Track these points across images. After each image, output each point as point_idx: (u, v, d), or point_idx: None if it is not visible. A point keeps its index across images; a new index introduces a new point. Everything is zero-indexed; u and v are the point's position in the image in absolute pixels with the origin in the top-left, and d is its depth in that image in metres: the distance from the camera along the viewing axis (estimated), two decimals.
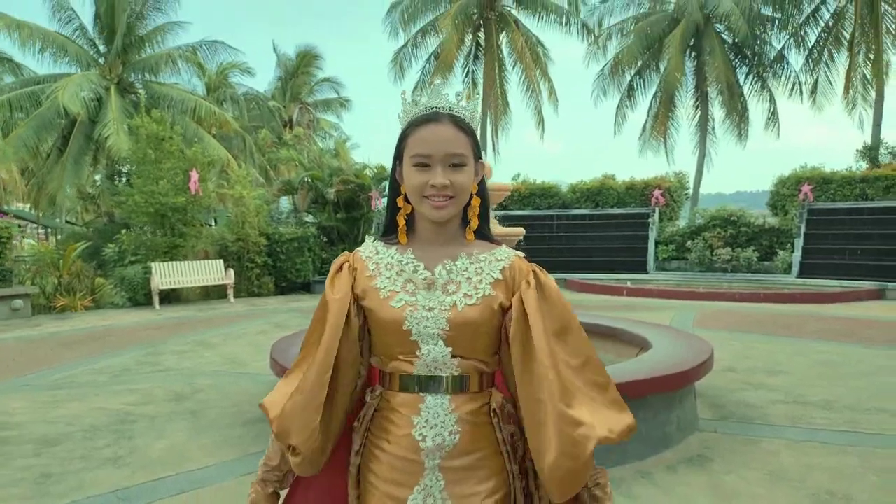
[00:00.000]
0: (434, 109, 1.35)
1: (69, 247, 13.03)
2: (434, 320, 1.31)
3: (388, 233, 1.45)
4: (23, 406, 5.47)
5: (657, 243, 16.71)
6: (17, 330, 9.88)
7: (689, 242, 16.19)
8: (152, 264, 12.40)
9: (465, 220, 1.42)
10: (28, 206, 24.57)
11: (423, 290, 1.34)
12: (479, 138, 1.40)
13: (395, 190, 1.41)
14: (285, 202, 21.20)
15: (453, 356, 1.32)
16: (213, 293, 13.84)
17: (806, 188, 15.29)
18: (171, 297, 13.04)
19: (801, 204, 15.23)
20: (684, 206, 18.77)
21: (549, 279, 1.37)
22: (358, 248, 1.46)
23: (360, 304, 1.37)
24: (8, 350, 8.22)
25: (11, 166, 20.42)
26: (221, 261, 13.54)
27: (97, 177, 22.20)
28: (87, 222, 23.13)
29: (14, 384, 6.32)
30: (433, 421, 1.31)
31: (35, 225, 26.56)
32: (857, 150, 18.39)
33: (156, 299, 12.30)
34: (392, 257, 1.40)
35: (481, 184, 1.41)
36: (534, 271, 1.36)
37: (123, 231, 13.25)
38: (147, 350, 7.96)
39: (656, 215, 17.03)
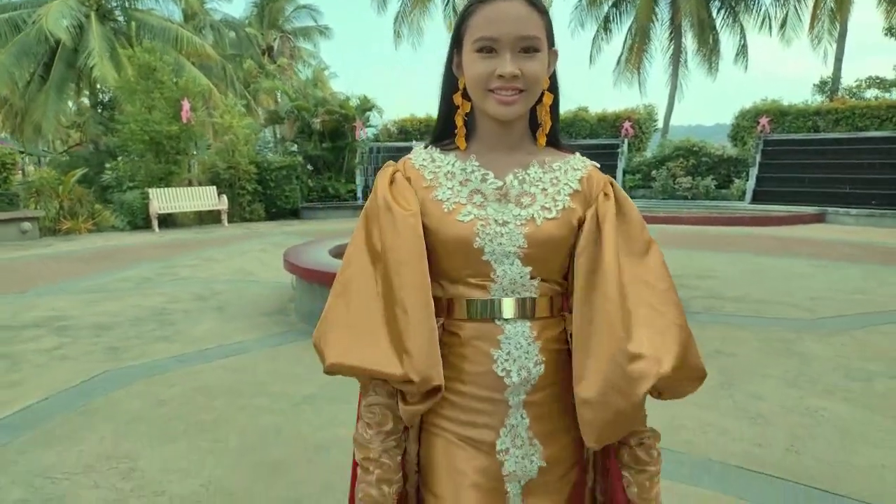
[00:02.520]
0: None
1: (69, 173, 13.67)
2: (510, 236, 1.14)
3: (443, 137, 1.25)
4: (68, 304, 6.43)
5: (625, 172, 17.78)
6: (31, 249, 10.72)
7: (654, 172, 17.28)
8: (150, 190, 13.16)
9: (531, 123, 1.23)
10: (2, 133, 24.67)
11: (493, 202, 1.17)
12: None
13: (450, 84, 1.21)
14: (266, 132, 21.73)
15: (532, 276, 1.16)
16: (206, 218, 14.68)
17: (763, 120, 16.33)
18: (167, 221, 13.87)
19: (758, 135, 16.31)
20: (653, 137, 19.75)
21: (625, 194, 1.22)
22: (408, 156, 1.26)
23: None
24: (33, 265, 9.11)
25: None
26: (214, 187, 14.32)
27: (83, 103, 22.38)
28: (66, 150, 23.42)
29: (51, 289, 7.26)
30: (516, 353, 1.14)
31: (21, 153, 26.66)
32: (814, 85, 19.35)
33: (154, 223, 13.14)
34: (452, 165, 1.21)
35: (553, 76, 1.20)
36: (611, 182, 1.22)
37: (119, 158, 13.90)
38: (161, 264, 8.91)
39: (625, 146, 18.03)
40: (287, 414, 3.56)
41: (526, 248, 1.14)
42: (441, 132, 1.25)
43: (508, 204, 1.17)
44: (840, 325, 5.31)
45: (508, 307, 1.16)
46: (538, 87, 1.14)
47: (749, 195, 15.60)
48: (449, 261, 1.17)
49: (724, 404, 3.62)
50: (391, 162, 1.25)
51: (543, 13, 1.13)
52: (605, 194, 1.19)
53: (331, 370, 1.12)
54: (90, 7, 19.37)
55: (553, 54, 1.18)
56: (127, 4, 20.54)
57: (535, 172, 1.19)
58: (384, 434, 1.17)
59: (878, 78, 25.88)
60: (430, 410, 1.18)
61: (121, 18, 20.63)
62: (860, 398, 3.71)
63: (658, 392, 1.13)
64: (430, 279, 1.13)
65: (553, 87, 1.20)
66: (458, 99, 1.19)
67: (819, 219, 13.66)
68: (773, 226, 12.89)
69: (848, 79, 19.59)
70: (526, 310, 1.16)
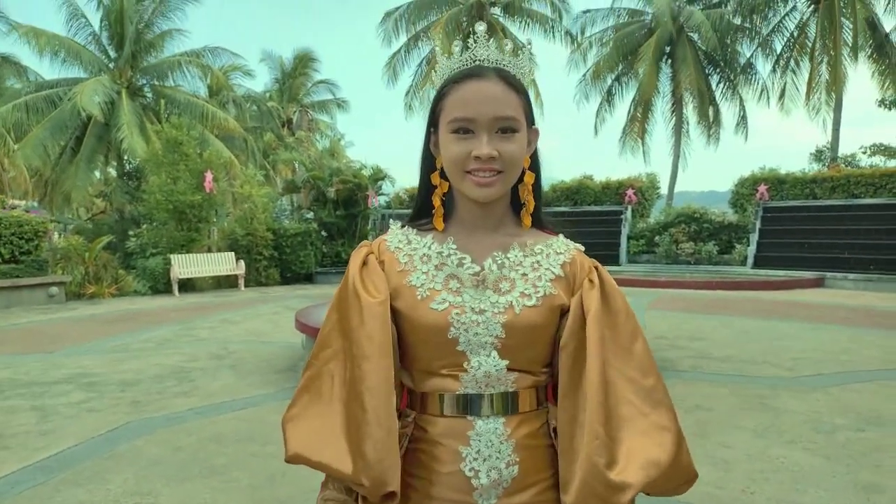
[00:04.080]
0: (477, 62, 1.11)
1: (95, 240, 14.38)
2: (486, 325, 1.08)
3: (421, 217, 1.21)
4: (94, 363, 6.89)
5: (629, 238, 18.27)
6: (58, 312, 11.27)
7: (657, 237, 17.74)
8: (172, 256, 13.81)
9: (513, 202, 1.19)
10: (30, 202, 25.76)
11: (470, 288, 1.11)
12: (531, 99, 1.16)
13: (428, 164, 1.18)
14: (283, 200, 22.60)
15: (509, 370, 1.10)
16: (223, 283, 15.25)
17: (762, 188, 16.87)
18: (187, 285, 14.45)
19: (758, 202, 16.82)
20: (655, 203, 20.35)
21: (611, 279, 1.17)
22: (383, 237, 1.22)
23: (392, 306, 1.11)
24: (60, 327, 9.63)
25: (22, 164, 21.67)
26: (233, 253, 14.96)
27: (109, 173, 23.48)
28: (91, 217, 24.39)
29: (79, 350, 7.73)
30: (486, 451, 1.08)
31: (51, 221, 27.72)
32: (811, 154, 19.98)
33: (175, 287, 13.71)
34: (429, 248, 1.16)
35: (534, 155, 1.18)
36: (596, 268, 1.17)
37: (144, 226, 14.63)
38: (180, 326, 9.39)
39: (629, 212, 18.61)
40: None
41: (503, 338, 1.08)
42: (419, 211, 1.22)
43: (486, 290, 1.11)
44: (817, 383, 5.61)
45: (482, 402, 1.09)
46: (517, 168, 1.11)
47: (750, 260, 15.97)
48: (422, 350, 1.12)
49: (693, 452, 3.93)
50: (366, 242, 1.22)
51: (521, 93, 1.11)
52: (591, 280, 1.13)
53: (291, 461, 1.09)
54: (121, 85, 20.68)
55: (534, 133, 1.16)
56: (156, 82, 21.91)
57: (516, 256, 1.14)
58: None
59: (882, 145, 26.55)
60: None
61: (149, 95, 21.99)
62: (820, 448, 4.01)
63: (646, 492, 1.06)
64: (396, 371, 1.09)
65: (535, 166, 1.18)
66: (435, 179, 1.16)
67: (818, 283, 13.95)
68: (773, 290, 13.19)
69: (850, 146, 20.20)
70: (502, 405, 1.10)
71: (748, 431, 4.35)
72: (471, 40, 1.13)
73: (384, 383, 1.05)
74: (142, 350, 7.61)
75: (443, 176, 1.15)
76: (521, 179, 1.15)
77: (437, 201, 1.17)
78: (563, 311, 1.13)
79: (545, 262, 1.15)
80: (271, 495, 3.41)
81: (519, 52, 1.16)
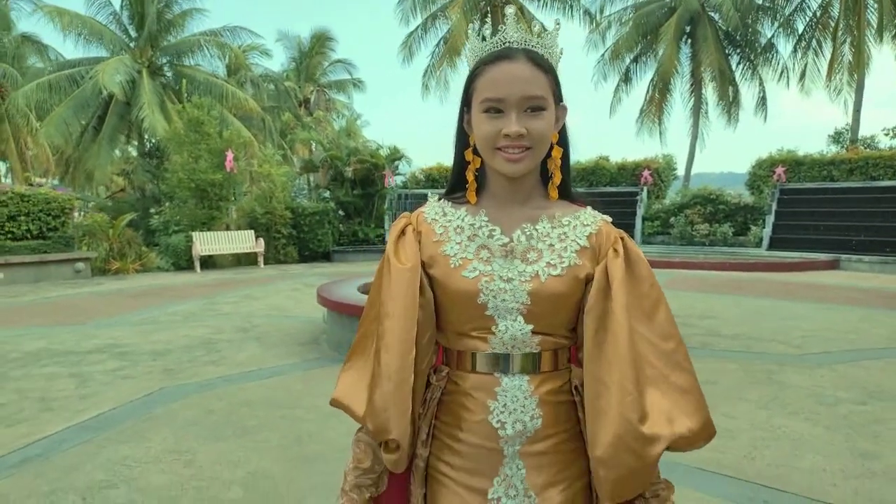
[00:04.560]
0: (507, 44, 1.17)
1: (119, 217, 14.74)
2: (513, 293, 1.17)
3: (455, 191, 1.30)
4: (125, 334, 7.19)
5: (644, 219, 18.32)
6: (85, 287, 11.64)
7: (672, 219, 17.78)
8: (194, 233, 14.12)
9: (543, 175, 1.27)
10: (51, 180, 26.24)
11: (499, 257, 1.20)
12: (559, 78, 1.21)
13: (462, 141, 1.26)
14: (300, 180, 22.86)
15: (534, 333, 1.19)
16: (243, 260, 15.58)
17: (779, 170, 16.81)
18: (208, 262, 14.79)
19: (775, 184, 16.78)
20: (672, 185, 20.33)
21: (638, 250, 1.23)
22: (421, 209, 1.31)
23: (428, 273, 1.22)
24: (88, 301, 9.97)
25: (45, 142, 22.06)
26: (252, 231, 15.26)
27: (129, 151, 23.86)
28: (110, 195, 24.82)
29: (109, 322, 8.04)
30: (512, 405, 1.18)
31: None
32: (829, 136, 19.81)
33: (197, 264, 14.05)
34: (462, 219, 1.25)
35: (563, 131, 1.24)
36: (622, 238, 1.23)
37: (167, 204, 14.96)
38: (204, 301, 9.69)
39: (644, 194, 18.63)
40: (319, 422, 4.17)
41: (529, 304, 1.17)
42: (454, 185, 1.30)
43: (514, 260, 1.19)
44: (823, 360, 5.76)
45: (508, 361, 1.19)
46: (545, 144, 1.17)
47: (766, 242, 15.98)
48: (454, 314, 1.22)
49: None
50: (406, 214, 1.32)
51: (549, 72, 1.17)
52: (615, 250, 1.20)
53: (331, 404, 1.27)
54: (142, 64, 20.92)
55: (562, 110, 1.22)
56: (176, 62, 22.15)
57: (544, 227, 1.22)
58: (360, 470, 1.25)
59: None
60: (433, 455, 1.27)
61: (169, 74, 22.24)
62: (821, 419, 4.19)
63: (670, 448, 1.13)
64: (425, 330, 1.21)
65: (563, 142, 1.24)
66: (469, 155, 1.25)
67: (833, 265, 13.97)
68: (787, 272, 13.24)
69: (872, 128, 20.03)
70: (527, 364, 1.19)
71: (752, 403, 4.52)
72: (501, 23, 1.20)
73: (399, 341, 1.16)
74: (169, 322, 7.91)
75: (476, 153, 1.24)
76: (549, 154, 1.22)
77: (470, 176, 1.26)
78: (588, 280, 1.19)
79: (572, 233, 1.22)
80: (300, 453, 3.65)
81: (547, 33, 1.22)
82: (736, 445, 3.72)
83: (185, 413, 4.41)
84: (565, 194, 1.27)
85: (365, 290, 6.60)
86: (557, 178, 1.24)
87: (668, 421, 1.12)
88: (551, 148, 1.21)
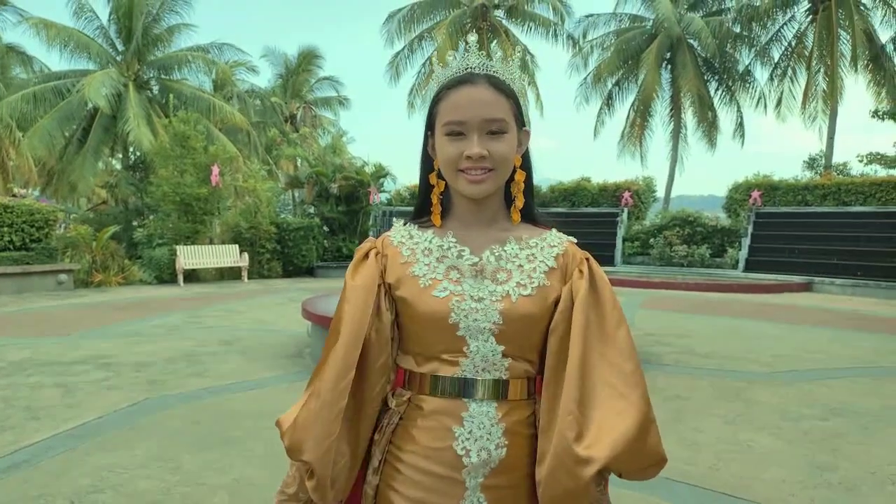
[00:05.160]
0: (468, 70, 1.20)
1: (102, 230, 14.73)
2: (484, 312, 1.16)
3: (421, 214, 1.30)
4: (109, 346, 7.23)
5: (624, 240, 18.66)
6: (68, 299, 11.62)
7: (651, 240, 18.13)
8: (177, 247, 14.16)
9: (508, 199, 1.28)
10: (31, 191, 26.03)
11: (469, 277, 1.19)
12: (522, 103, 1.23)
13: (427, 165, 1.28)
14: (285, 195, 22.95)
15: (504, 355, 1.17)
16: (227, 274, 15.61)
17: (755, 194, 17.26)
18: (191, 276, 14.80)
19: (751, 208, 17.22)
20: (651, 206, 20.75)
21: (602, 272, 1.24)
22: (387, 233, 1.30)
23: (395, 296, 1.21)
24: (72, 312, 9.98)
25: (27, 154, 21.97)
26: (237, 245, 15.33)
27: (111, 164, 23.81)
28: (91, 207, 24.69)
29: (93, 333, 8.08)
30: (478, 432, 1.15)
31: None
32: (804, 161, 20.40)
33: (180, 277, 14.07)
34: (430, 241, 1.24)
35: (525, 155, 1.26)
36: (587, 259, 1.24)
37: (151, 217, 14.98)
38: (188, 314, 9.75)
39: (625, 215, 19.00)
40: None
41: (500, 324, 1.16)
42: (420, 209, 1.31)
43: (484, 280, 1.19)
44: (791, 378, 5.98)
45: (476, 386, 1.16)
46: (507, 166, 1.18)
47: (742, 264, 16.34)
48: (424, 335, 1.19)
49: (668, 435, 4.31)
50: (371, 238, 1.32)
51: (510, 97, 1.19)
52: (580, 270, 1.21)
53: (276, 425, 1.21)
54: (129, 78, 20.97)
55: (525, 134, 1.24)
56: (163, 76, 22.24)
57: (512, 248, 1.22)
58: (285, 496, 1.25)
59: (878, 154, 26.94)
60: (384, 483, 1.21)
61: (156, 88, 22.32)
62: (785, 434, 4.38)
63: (617, 473, 1.11)
64: (365, 355, 1.18)
65: (526, 166, 1.26)
66: (433, 179, 1.26)
67: (806, 287, 14.33)
68: (762, 293, 13.56)
69: (846, 155, 20.66)
70: (495, 390, 1.17)
71: (720, 418, 4.71)
72: (462, 49, 1.25)
73: (340, 361, 1.14)
74: (153, 335, 7.96)
75: (440, 176, 1.25)
76: (513, 178, 1.24)
77: (434, 199, 1.27)
78: (557, 302, 1.19)
79: (540, 254, 1.22)
80: (285, 462, 3.74)
81: (508, 59, 1.25)
82: (703, 458, 3.90)
83: (170, 423, 4.50)
84: (529, 217, 1.29)
85: None
86: (520, 202, 1.26)
87: (609, 444, 1.07)
88: (515, 172, 1.24)
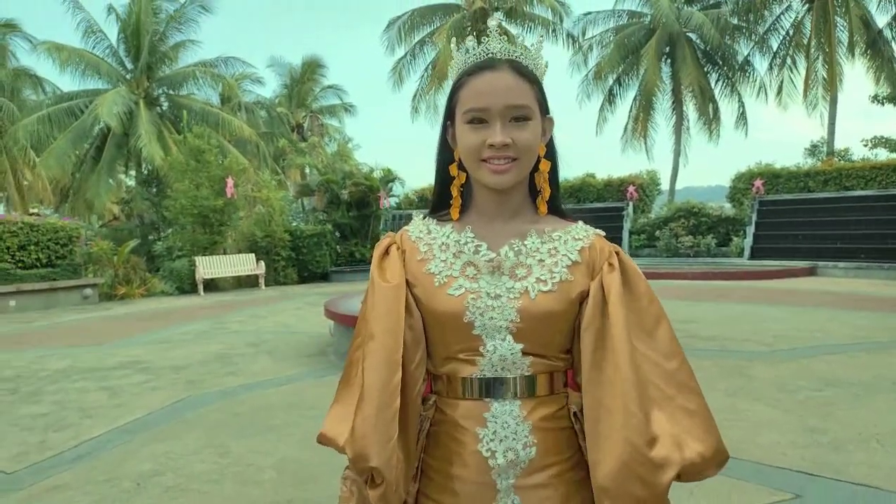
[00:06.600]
0: (490, 55, 1.14)
1: (123, 245, 15.21)
2: (501, 310, 1.10)
3: (439, 208, 1.25)
4: (143, 352, 7.66)
5: (631, 233, 18.99)
6: (95, 311, 12.09)
7: (657, 232, 18.45)
8: (196, 258, 14.62)
9: (532, 191, 1.21)
10: (44, 209, 26.56)
11: (486, 274, 1.14)
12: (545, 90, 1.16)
13: (445, 155, 1.21)
14: (296, 203, 23.42)
15: (524, 354, 1.11)
16: (244, 282, 16.07)
17: (758, 183, 17.56)
18: (210, 285, 15.26)
19: (754, 197, 17.51)
20: (656, 199, 21.06)
21: (633, 264, 1.16)
22: (405, 227, 1.26)
23: (411, 293, 1.16)
24: (100, 324, 10.43)
25: (43, 174, 22.52)
26: (253, 254, 15.79)
27: (123, 180, 24.35)
28: (104, 224, 25.23)
29: (125, 342, 8.51)
30: (502, 432, 1.10)
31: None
32: (805, 148, 20.64)
33: (200, 287, 14.53)
34: (447, 237, 1.19)
35: (550, 144, 1.19)
36: (616, 252, 1.16)
37: (170, 230, 15.47)
38: (213, 321, 10.17)
39: (630, 208, 19.33)
40: None
41: (518, 322, 1.10)
42: (438, 203, 1.25)
43: (502, 276, 1.13)
44: (790, 355, 6.31)
45: (499, 385, 1.12)
46: (531, 155, 1.13)
47: (747, 252, 16.64)
48: (440, 335, 1.15)
49: None
50: (390, 233, 1.27)
51: (533, 82, 1.13)
52: (610, 264, 1.14)
53: (319, 441, 1.16)
54: (139, 95, 21.49)
55: (548, 122, 1.18)
56: (171, 92, 22.76)
57: (533, 243, 1.16)
58: None
59: (883, 138, 27.13)
60: (421, 494, 1.18)
61: (165, 104, 22.86)
62: (781, 404, 4.73)
63: (678, 476, 1.04)
64: (413, 353, 1.13)
65: (550, 155, 1.19)
66: (453, 170, 1.20)
67: (810, 272, 14.62)
68: (766, 279, 13.85)
69: (849, 140, 20.91)
70: (519, 388, 1.12)
71: (722, 392, 5.07)
72: (483, 36, 1.17)
73: (383, 362, 1.09)
74: (183, 341, 8.38)
75: (460, 167, 1.19)
76: (537, 168, 1.17)
77: (455, 192, 1.20)
78: (582, 298, 1.13)
79: (563, 248, 1.16)
80: None
81: (532, 45, 1.19)
82: None
83: (213, 416, 4.90)
84: (555, 209, 1.22)
85: None
86: (547, 193, 1.20)
87: (677, 446, 1.03)
88: (539, 162, 1.17)
